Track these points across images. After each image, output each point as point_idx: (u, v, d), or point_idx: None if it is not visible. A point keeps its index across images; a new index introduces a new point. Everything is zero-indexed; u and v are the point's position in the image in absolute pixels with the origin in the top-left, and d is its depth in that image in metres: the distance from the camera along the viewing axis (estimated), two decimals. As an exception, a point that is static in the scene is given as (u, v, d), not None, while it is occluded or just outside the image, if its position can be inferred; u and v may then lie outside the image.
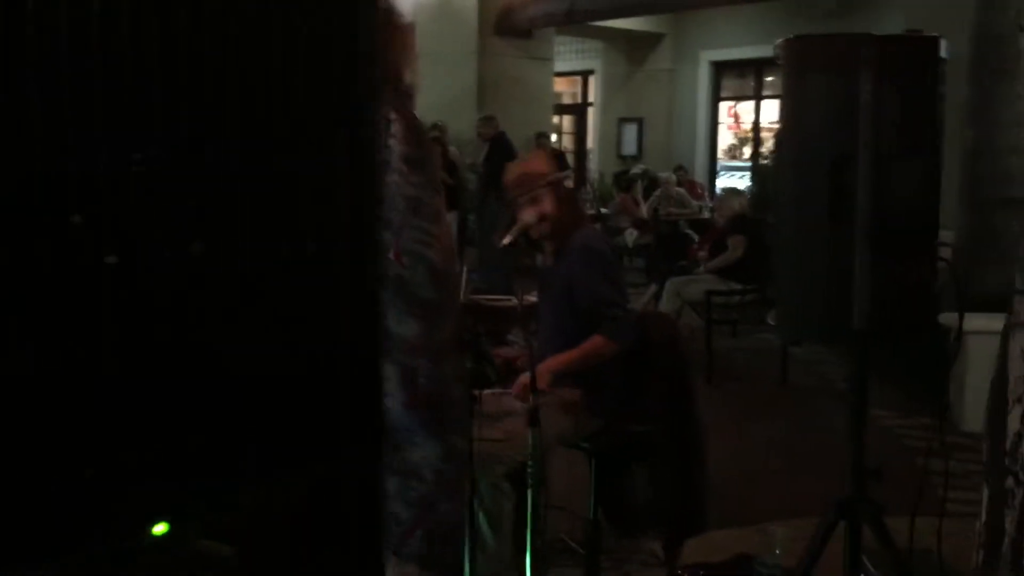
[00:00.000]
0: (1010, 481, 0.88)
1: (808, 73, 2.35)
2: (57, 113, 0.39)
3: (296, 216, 0.41)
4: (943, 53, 2.32)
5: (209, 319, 0.41)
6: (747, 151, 15.15)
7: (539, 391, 2.79)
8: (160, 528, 0.43)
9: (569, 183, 3.47)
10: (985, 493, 1.71)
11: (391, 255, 1.76)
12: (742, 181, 13.73)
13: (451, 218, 9.39)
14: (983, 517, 1.82)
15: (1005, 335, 1.99)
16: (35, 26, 0.38)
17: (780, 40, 2.40)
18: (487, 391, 2.96)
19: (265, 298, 0.40)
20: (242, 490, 0.41)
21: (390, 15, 1.86)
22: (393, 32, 1.85)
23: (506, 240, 3.20)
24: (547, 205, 3.26)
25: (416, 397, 1.81)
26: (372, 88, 0.44)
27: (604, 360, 3.18)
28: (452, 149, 9.70)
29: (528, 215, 3.26)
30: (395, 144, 1.75)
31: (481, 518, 2.90)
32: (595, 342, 3.16)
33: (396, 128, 1.75)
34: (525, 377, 2.89)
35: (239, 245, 0.41)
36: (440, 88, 12.27)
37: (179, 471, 0.42)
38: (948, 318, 2.55)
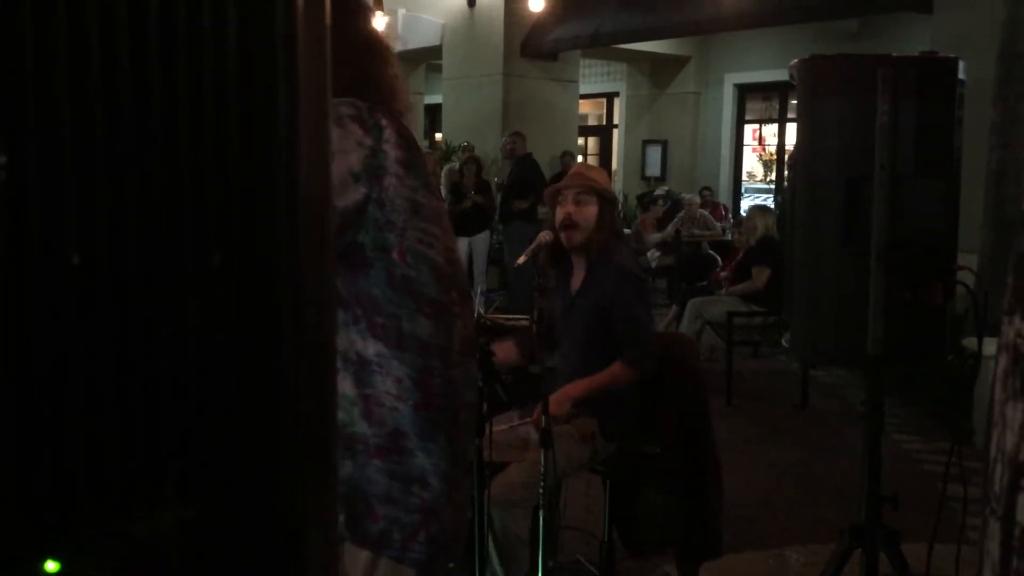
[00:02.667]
0: (987, 510, 0.86)
1: (823, 94, 2.34)
2: None
3: (197, 224, 0.40)
4: (961, 74, 2.31)
5: (92, 334, 0.41)
6: (772, 174, 15.10)
7: (555, 416, 2.78)
8: (51, 567, 0.40)
9: (616, 205, 3.41)
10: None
11: (395, 255, 1.78)
12: (766, 204, 13.67)
13: (483, 237, 9.41)
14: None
15: None
16: None
17: (795, 61, 2.40)
18: (502, 426, 2.94)
19: (156, 312, 0.40)
20: (140, 521, 0.40)
21: (378, 45, 1.91)
22: (382, 60, 1.90)
23: (520, 260, 3.17)
24: (589, 212, 3.19)
25: (428, 399, 1.81)
26: (291, 105, 0.44)
27: (624, 385, 3.15)
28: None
29: (566, 212, 3.19)
30: (389, 149, 1.78)
31: (494, 557, 2.88)
32: (617, 369, 3.11)
33: (388, 133, 1.79)
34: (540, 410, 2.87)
35: (125, 255, 0.40)
36: (466, 110, 12.37)
37: (68, 501, 0.41)
38: (972, 343, 2.53)
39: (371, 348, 1.80)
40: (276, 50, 0.46)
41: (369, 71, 1.87)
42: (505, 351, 3.24)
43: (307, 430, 0.51)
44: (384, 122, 1.79)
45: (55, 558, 0.41)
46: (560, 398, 3.00)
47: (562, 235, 3.21)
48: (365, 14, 1.96)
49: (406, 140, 1.82)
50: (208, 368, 0.45)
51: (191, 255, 0.44)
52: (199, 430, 0.45)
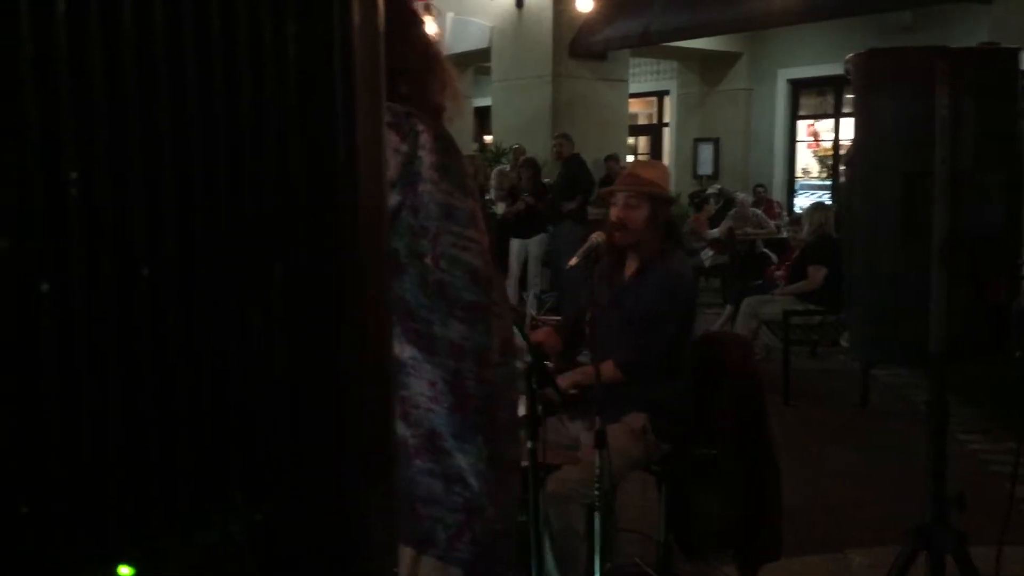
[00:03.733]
0: None
1: (880, 89, 2.30)
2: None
3: (261, 238, 0.41)
4: (1023, 66, 2.25)
5: (163, 345, 0.42)
6: (827, 170, 14.87)
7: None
8: (125, 572, 0.41)
9: (671, 203, 3.36)
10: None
11: (428, 260, 1.79)
12: (822, 200, 13.47)
13: (538, 240, 9.41)
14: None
15: None
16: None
17: (850, 55, 2.36)
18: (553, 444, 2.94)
19: (223, 323, 0.40)
20: (210, 526, 0.41)
21: (427, 45, 1.92)
22: (419, 48, 1.90)
23: (572, 261, 3.16)
24: (639, 215, 3.17)
25: (463, 401, 1.82)
26: (349, 106, 0.44)
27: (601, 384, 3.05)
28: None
29: (617, 212, 3.18)
30: (424, 155, 1.79)
31: (550, 558, 2.87)
32: (604, 367, 3.00)
33: (424, 139, 1.79)
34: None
35: (193, 268, 0.41)
36: (515, 112, 12.39)
37: (143, 505, 0.41)
38: (1037, 338, 2.46)
39: (406, 351, 1.82)
40: (334, 66, 0.46)
41: (421, 81, 1.88)
42: (545, 335, 3.25)
43: (369, 434, 0.52)
44: (420, 127, 1.80)
45: (129, 563, 0.42)
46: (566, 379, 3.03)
47: (613, 237, 3.20)
48: (417, 21, 1.97)
49: (443, 144, 1.83)
50: (273, 376, 0.46)
51: (255, 268, 0.45)
52: (266, 437, 0.46)
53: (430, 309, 1.80)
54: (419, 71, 1.88)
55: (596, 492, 2.68)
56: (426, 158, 1.79)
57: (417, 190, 1.78)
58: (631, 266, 3.27)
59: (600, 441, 2.66)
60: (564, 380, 3.05)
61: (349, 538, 0.51)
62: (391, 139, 1.76)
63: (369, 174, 0.52)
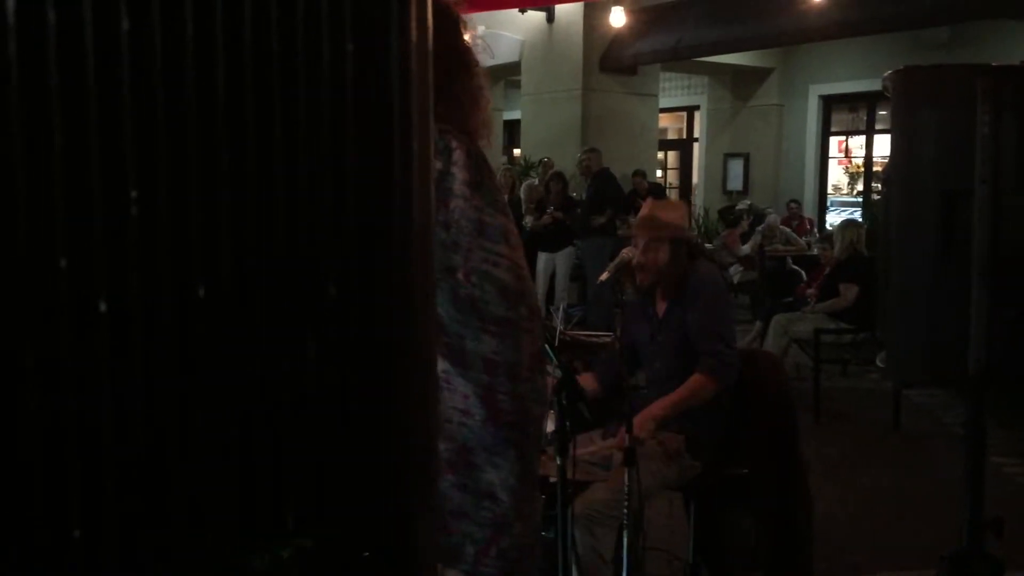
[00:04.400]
0: None
1: (918, 106, 2.27)
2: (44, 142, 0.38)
3: (316, 257, 0.40)
4: (1065, 84, 2.21)
5: (218, 367, 0.41)
6: (859, 186, 14.75)
7: (638, 438, 2.74)
8: None
9: (690, 243, 3.36)
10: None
11: (460, 275, 1.79)
12: (854, 217, 13.36)
13: (567, 253, 9.40)
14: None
15: None
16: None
17: (889, 72, 2.33)
18: (586, 449, 2.92)
19: (277, 344, 0.40)
20: (261, 553, 0.40)
21: (459, 58, 1.93)
22: (461, 75, 1.91)
23: (603, 276, 3.15)
24: (661, 256, 3.19)
25: (496, 415, 1.82)
26: (406, 124, 0.43)
27: (705, 399, 3.09)
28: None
29: (639, 257, 3.20)
30: (457, 171, 1.80)
31: (573, 570, 2.85)
32: (696, 380, 3.07)
33: (457, 156, 1.80)
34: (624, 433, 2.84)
35: (246, 289, 0.40)
36: (545, 125, 12.40)
37: (195, 531, 0.41)
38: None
39: (439, 365, 1.82)
40: (392, 85, 0.46)
41: (451, 87, 1.88)
42: (585, 382, 3.22)
43: (417, 457, 0.51)
44: (454, 144, 1.81)
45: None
46: (643, 419, 2.96)
47: (637, 279, 3.22)
48: (457, 27, 1.97)
49: (476, 161, 1.84)
50: (325, 400, 0.45)
51: (310, 288, 0.45)
52: (317, 463, 0.46)
53: (462, 324, 1.80)
54: (458, 92, 1.90)
55: (625, 511, 2.66)
56: (459, 175, 1.80)
57: (449, 206, 1.79)
58: (661, 300, 3.27)
59: (629, 459, 2.64)
60: (657, 407, 3.05)
61: (395, 564, 0.50)
62: None
63: (420, 192, 0.51)
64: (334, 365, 0.46)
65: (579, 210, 9.43)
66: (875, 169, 14.15)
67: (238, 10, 0.42)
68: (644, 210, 3.39)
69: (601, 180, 9.44)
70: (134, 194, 0.40)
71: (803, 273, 9.44)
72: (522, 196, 10.05)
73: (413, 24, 0.47)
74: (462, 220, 1.79)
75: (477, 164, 1.84)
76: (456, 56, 1.92)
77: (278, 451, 0.44)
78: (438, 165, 1.78)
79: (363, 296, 0.47)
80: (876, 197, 13.26)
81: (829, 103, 14.54)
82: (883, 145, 13.79)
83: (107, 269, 0.40)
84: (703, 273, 3.23)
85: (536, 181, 10.53)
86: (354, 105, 0.46)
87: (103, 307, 0.39)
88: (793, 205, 12.54)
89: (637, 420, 2.87)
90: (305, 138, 0.45)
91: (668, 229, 3.21)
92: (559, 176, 9.64)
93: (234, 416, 0.44)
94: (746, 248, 10.34)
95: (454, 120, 1.86)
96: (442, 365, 1.80)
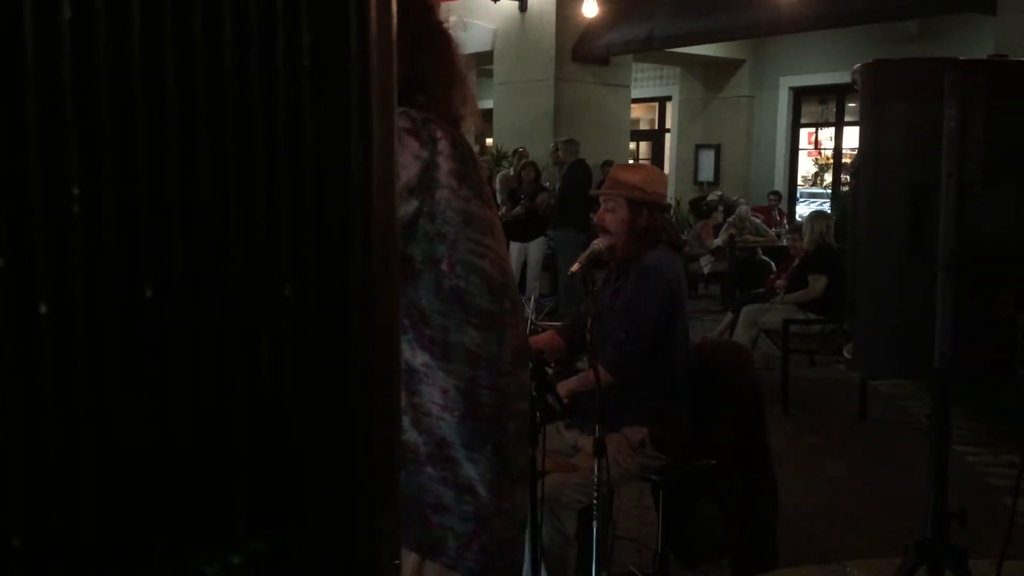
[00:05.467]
0: None
1: (887, 99, 2.28)
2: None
3: (271, 254, 0.39)
4: (1032, 79, 2.23)
5: (165, 370, 0.39)
6: (828, 178, 14.87)
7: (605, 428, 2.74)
8: None
9: (659, 207, 3.27)
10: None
11: (444, 266, 1.78)
12: (823, 209, 13.47)
13: (539, 243, 9.41)
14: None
15: None
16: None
17: (858, 65, 2.34)
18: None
19: (230, 344, 0.38)
20: (213, 560, 0.39)
21: (440, 45, 1.90)
22: (445, 63, 1.89)
23: (574, 268, 3.14)
24: (617, 217, 3.15)
25: (476, 409, 1.81)
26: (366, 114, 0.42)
27: (601, 389, 3.01)
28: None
29: (598, 217, 3.20)
30: (442, 161, 1.78)
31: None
32: (592, 373, 3.00)
33: (442, 146, 1.78)
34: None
35: (199, 288, 0.39)
36: (518, 114, 12.38)
37: (142, 537, 0.39)
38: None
39: (419, 358, 1.81)
40: (351, 79, 0.45)
41: (427, 68, 1.85)
42: (548, 338, 3.22)
43: (379, 457, 0.50)
44: (439, 134, 1.79)
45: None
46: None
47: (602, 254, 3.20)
48: (445, 34, 1.94)
49: (461, 151, 1.82)
50: (281, 400, 0.44)
51: (264, 286, 0.43)
52: (272, 464, 0.44)
53: (445, 315, 1.78)
54: (442, 82, 1.87)
55: (595, 502, 2.66)
56: (444, 165, 1.78)
57: (435, 196, 1.77)
58: (616, 276, 3.27)
59: (599, 450, 2.64)
60: (562, 387, 3.01)
61: (354, 570, 0.49)
62: (411, 145, 1.75)
63: (381, 187, 0.50)
64: (290, 365, 0.45)
65: (552, 201, 9.43)
66: (844, 161, 14.27)
67: (187, -1, 0.40)
68: (609, 172, 3.38)
69: (577, 171, 9.42)
70: (76, 191, 0.38)
71: (773, 264, 9.51)
72: (497, 186, 10.03)
73: (373, 17, 0.45)
74: (448, 211, 1.78)
75: (463, 154, 1.82)
76: (432, 40, 1.90)
77: (230, 454, 0.43)
78: (424, 155, 1.75)
79: (321, 294, 0.46)
80: (844, 189, 13.38)
81: (799, 95, 14.64)
82: (852, 137, 13.90)
83: (49, 270, 0.39)
84: (654, 259, 3.14)
85: (511, 171, 10.51)
86: (312, 100, 0.44)
87: (44, 309, 0.38)
88: (772, 197, 12.61)
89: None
90: (260, 133, 0.44)
91: (624, 187, 3.18)
92: (532, 166, 9.63)
93: (184, 419, 0.43)
94: (718, 240, 10.40)
95: (438, 108, 1.84)
96: (423, 358, 1.79)
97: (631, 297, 3.10)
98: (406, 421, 1.80)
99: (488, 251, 1.84)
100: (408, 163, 1.74)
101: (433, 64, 1.86)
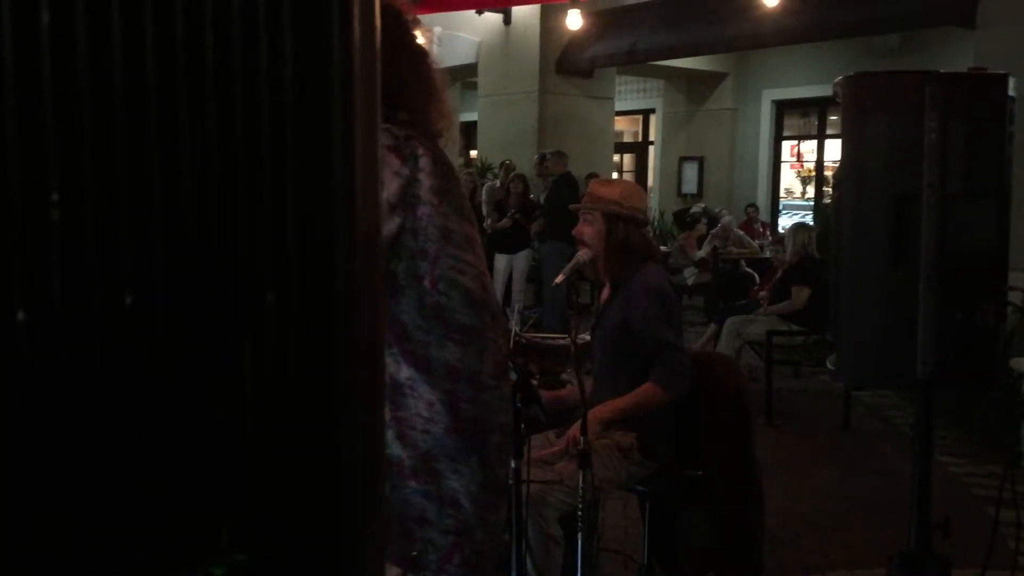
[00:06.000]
0: None
1: (868, 112, 2.30)
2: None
3: (253, 263, 0.39)
4: (1011, 91, 2.26)
5: (145, 380, 0.39)
6: (810, 190, 14.96)
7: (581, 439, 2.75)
8: None
9: (636, 222, 3.32)
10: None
11: (427, 283, 1.78)
12: (805, 221, 13.54)
13: (524, 255, 9.41)
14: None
15: None
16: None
17: (840, 78, 2.36)
18: (540, 452, 2.93)
19: (211, 353, 0.38)
20: (194, 572, 0.39)
21: (418, 61, 1.91)
22: (422, 78, 1.90)
23: (559, 279, 3.16)
24: (593, 230, 3.20)
25: (459, 423, 1.81)
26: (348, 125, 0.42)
27: (656, 407, 3.10)
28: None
29: (576, 230, 3.24)
30: (424, 178, 1.79)
31: (529, 567, 2.85)
32: (648, 390, 3.06)
33: (424, 162, 1.79)
34: (575, 430, 2.84)
35: (181, 298, 0.38)
36: (502, 127, 12.40)
37: (122, 548, 0.39)
38: (1019, 363, 2.46)
39: (403, 372, 1.82)
40: (334, 85, 0.44)
41: (405, 83, 1.86)
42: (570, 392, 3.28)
43: (362, 468, 0.50)
44: (420, 151, 1.79)
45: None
46: (590, 420, 2.96)
47: (585, 270, 3.26)
48: (399, 21, 1.95)
49: (441, 167, 1.83)
50: (263, 409, 0.44)
51: (246, 296, 0.43)
52: (254, 475, 0.44)
53: (427, 331, 1.79)
54: (421, 99, 1.89)
55: (579, 513, 2.66)
56: (425, 181, 1.79)
57: (417, 213, 1.78)
58: (605, 290, 3.31)
59: (584, 462, 2.64)
60: (602, 411, 3.05)
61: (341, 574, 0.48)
62: (392, 162, 1.76)
63: (365, 193, 0.50)
64: (272, 376, 0.44)
65: (538, 213, 9.43)
66: (826, 173, 14.36)
67: (168, 4, 0.40)
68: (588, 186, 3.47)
69: (564, 184, 9.42)
70: (55, 197, 0.38)
71: (756, 276, 9.54)
72: (483, 198, 10.02)
73: (356, 23, 0.45)
74: (429, 227, 1.79)
75: (443, 171, 1.83)
76: (410, 56, 1.91)
77: (210, 465, 0.43)
78: (405, 171, 1.76)
79: (304, 305, 0.45)
80: (827, 201, 13.46)
81: (782, 108, 14.73)
82: (834, 150, 14.00)
83: (27, 276, 0.38)
84: (647, 276, 3.19)
85: (498, 183, 10.52)
86: (294, 106, 0.44)
87: (21, 316, 0.37)
88: (751, 209, 12.67)
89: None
90: (242, 139, 0.44)
91: (601, 202, 3.23)
92: (521, 178, 9.64)
93: (163, 429, 0.42)
94: (702, 252, 10.43)
95: (417, 123, 1.85)
96: (408, 372, 1.80)
97: (649, 315, 3.12)
98: (390, 435, 1.81)
99: (469, 267, 1.85)
100: (388, 179, 1.75)
101: (410, 80, 1.87)
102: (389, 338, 1.80)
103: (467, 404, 1.82)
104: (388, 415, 1.81)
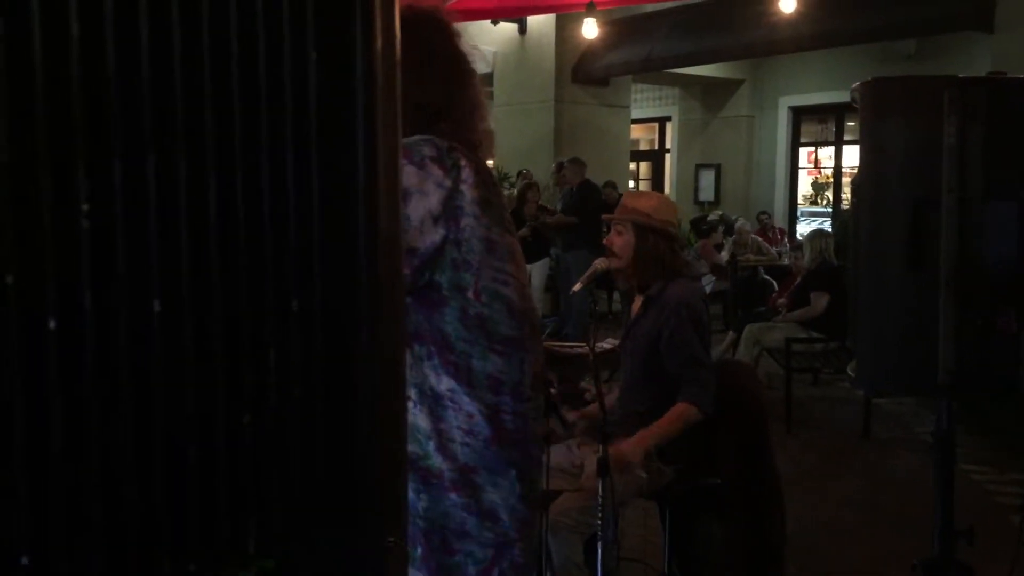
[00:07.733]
0: None
1: (887, 117, 2.29)
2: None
3: (281, 271, 0.39)
4: (1031, 96, 2.24)
5: (175, 385, 0.39)
6: (828, 196, 14.90)
7: (631, 463, 2.77)
8: None
9: (666, 236, 3.32)
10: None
11: (470, 294, 1.78)
12: (823, 227, 13.47)
13: (542, 264, 9.40)
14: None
15: None
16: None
17: (857, 84, 2.35)
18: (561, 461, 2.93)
19: (238, 359, 0.38)
20: (226, 573, 0.39)
21: (461, 70, 1.91)
22: (463, 88, 1.90)
23: (576, 287, 3.17)
24: (624, 241, 3.22)
25: (500, 435, 1.81)
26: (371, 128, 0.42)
27: (691, 426, 3.09)
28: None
29: (607, 240, 3.28)
30: (467, 189, 1.78)
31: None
32: (683, 409, 3.07)
33: (466, 173, 1.79)
34: (619, 449, 2.85)
35: (209, 305, 0.39)
36: (518, 136, 12.42)
37: (152, 554, 0.39)
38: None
39: (444, 383, 1.81)
40: (356, 95, 0.45)
41: (446, 93, 1.87)
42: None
43: (384, 474, 0.50)
44: (463, 162, 1.79)
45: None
46: (633, 446, 2.97)
47: (614, 275, 3.31)
48: (448, 36, 1.95)
49: (483, 179, 1.83)
50: (288, 417, 0.44)
51: (272, 303, 0.43)
52: (280, 482, 0.44)
53: (469, 342, 1.79)
54: (462, 109, 1.89)
55: (599, 521, 2.65)
56: (468, 192, 1.78)
57: (460, 224, 1.77)
58: (636, 302, 3.32)
59: (603, 470, 2.63)
60: (647, 436, 3.05)
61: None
62: (435, 173, 1.76)
63: (387, 201, 0.50)
64: (297, 382, 0.45)
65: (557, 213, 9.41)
66: (844, 179, 14.30)
67: (195, 16, 0.41)
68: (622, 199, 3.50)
69: (587, 191, 9.39)
70: (85, 207, 0.38)
71: (774, 283, 9.50)
72: (504, 207, 10.00)
73: (378, 32, 0.46)
74: (472, 239, 1.78)
75: (485, 181, 1.83)
76: (453, 66, 1.91)
77: (238, 471, 0.43)
78: (448, 183, 1.76)
79: (327, 311, 0.46)
80: (845, 207, 13.39)
81: (798, 114, 14.69)
82: (852, 156, 13.94)
83: (57, 285, 0.39)
84: (680, 291, 3.22)
85: (514, 192, 10.53)
86: (317, 115, 0.45)
87: (52, 325, 0.38)
88: (763, 216, 12.62)
89: (627, 445, 2.91)
90: (267, 148, 0.44)
91: (632, 213, 3.26)
92: (534, 187, 9.64)
93: (192, 435, 0.43)
94: (724, 254, 10.40)
95: (460, 135, 1.85)
96: (449, 384, 1.79)
97: (680, 333, 3.12)
98: (431, 446, 1.81)
99: (511, 278, 1.85)
100: (431, 190, 1.74)
101: (459, 93, 1.88)
102: (431, 350, 1.80)
103: (508, 416, 1.82)
104: (429, 426, 1.81)
